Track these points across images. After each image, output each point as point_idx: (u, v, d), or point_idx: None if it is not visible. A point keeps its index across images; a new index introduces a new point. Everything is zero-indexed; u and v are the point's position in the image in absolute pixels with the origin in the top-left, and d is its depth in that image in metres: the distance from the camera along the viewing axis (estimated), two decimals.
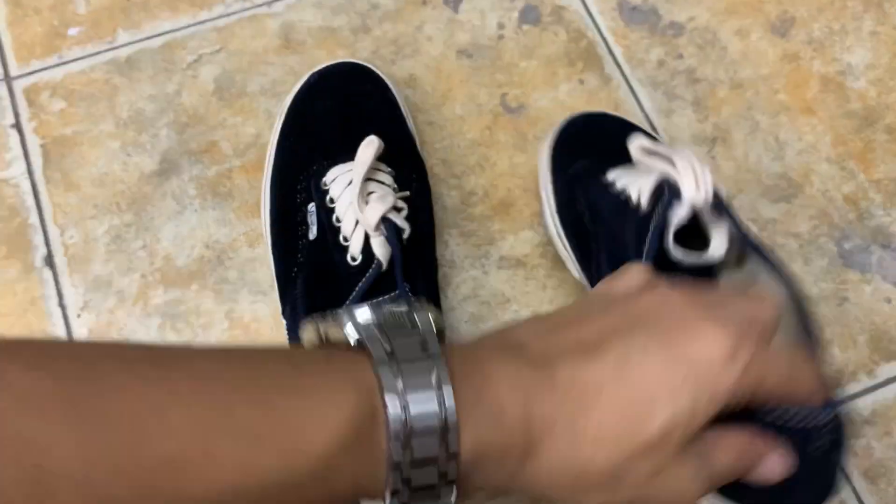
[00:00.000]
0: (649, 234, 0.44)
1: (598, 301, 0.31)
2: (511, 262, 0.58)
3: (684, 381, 0.26)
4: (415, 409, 0.22)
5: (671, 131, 0.62)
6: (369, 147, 0.50)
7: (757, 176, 0.61)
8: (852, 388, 0.56)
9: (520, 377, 0.25)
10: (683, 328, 0.27)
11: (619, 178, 0.50)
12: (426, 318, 0.25)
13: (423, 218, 0.55)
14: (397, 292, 0.50)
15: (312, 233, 0.52)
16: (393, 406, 0.22)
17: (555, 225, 0.57)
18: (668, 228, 0.43)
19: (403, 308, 0.25)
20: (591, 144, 0.57)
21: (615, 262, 0.45)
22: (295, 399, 0.21)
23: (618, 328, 0.27)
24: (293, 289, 0.51)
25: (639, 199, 0.46)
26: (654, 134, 0.60)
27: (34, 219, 0.59)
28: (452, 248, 0.59)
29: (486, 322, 0.57)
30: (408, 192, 0.53)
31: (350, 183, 0.51)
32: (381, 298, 0.49)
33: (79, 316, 0.56)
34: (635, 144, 0.48)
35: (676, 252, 0.44)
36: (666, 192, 0.44)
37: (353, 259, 0.50)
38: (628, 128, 0.58)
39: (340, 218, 0.51)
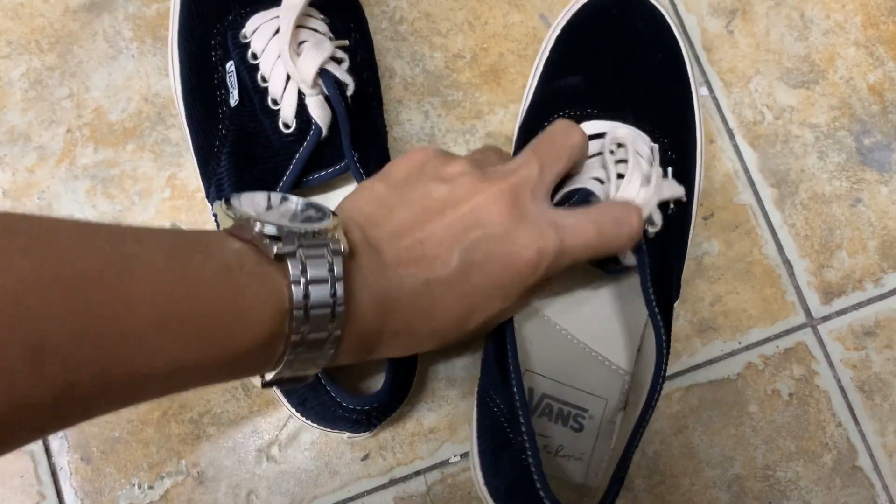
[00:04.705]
0: None
1: (427, 183, 0.35)
2: (499, 140, 0.51)
3: (496, 289, 0.33)
4: (312, 334, 0.28)
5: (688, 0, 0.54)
6: None
7: (777, 56, 0.54)
8: (856, 297, 0.52)
9: (380, 295, 0.31)
10: (501, 239, 0.33)
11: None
12: (329, 222, 0.30)
13: (366, 75, 0.46)
14: (344, 164, 0.43)
15: (234, 97, 0.43)
16: (298, 303, 0.27)
17: (520, 121, 0.49)
18: None
19: (311, 209, 0.31)
20: (599, 48, 0.47)
21: None
22: (237, 305, 0.26)
23: (454, 237, 0.33)
24: (217, 166, 0.43)
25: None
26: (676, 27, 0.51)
27: None
28: (433, 119, 0.51)
29: None
30: (346, 42, 0.44)
31: (277, 31, 0.42)
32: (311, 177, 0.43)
33: None
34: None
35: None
36: None
37: (286, 126, 0.42)
38: (660, 31, 0.49)
39: (267, 77, 0.42)
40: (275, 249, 0.27)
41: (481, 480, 0.43)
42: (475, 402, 0.45)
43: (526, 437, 0.38)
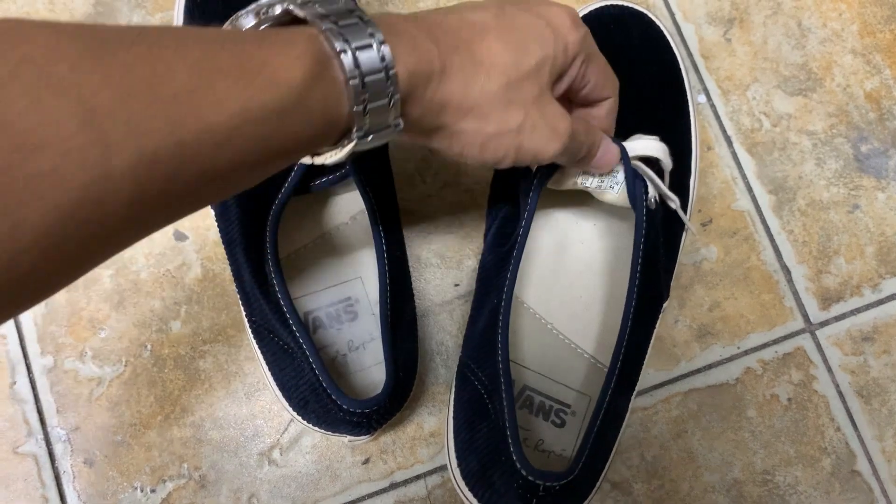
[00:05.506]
0: None
1: None
2: None
3: (547, 30, 0.34)
4: (360, 55, 0.27)
5: (684, 6, 0.55)
6: None
7: (774, 65, 0.55)
8: (854, 302, 0.52)
9: (428, 28, 0.31)
10: (540, 1, 0.36)
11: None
12: None
13: None
14: (345, 170, 0.44)
15: None
16: (343, 51, 0.27)
17: None
18: None
19: None
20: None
21: None
22: (266, 48, 0.26)
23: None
24: None
25: None
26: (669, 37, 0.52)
27: None
28: None
29: (468, 211, 0.51)
30: None
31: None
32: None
33: None
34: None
35: None
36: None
37: None
38: (656, 43, 0.49)
39: None
40: (279, 8, 0.28)
41: (454, 462, 0.43)
42: (454, 380, 0.45)
43: (504, 389, 0.39)
